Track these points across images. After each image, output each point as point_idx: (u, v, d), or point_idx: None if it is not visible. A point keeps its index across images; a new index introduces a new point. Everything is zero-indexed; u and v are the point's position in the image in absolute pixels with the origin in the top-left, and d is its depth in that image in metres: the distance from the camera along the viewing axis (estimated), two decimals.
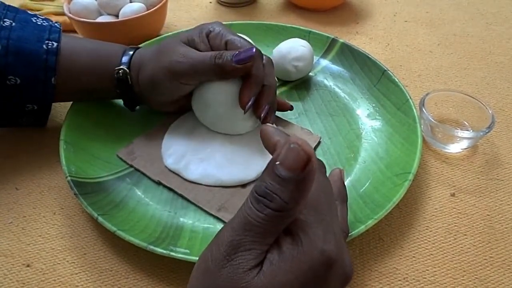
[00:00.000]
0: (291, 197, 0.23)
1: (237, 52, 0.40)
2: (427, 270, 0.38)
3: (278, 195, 0.23)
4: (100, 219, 0.37)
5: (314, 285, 0.24)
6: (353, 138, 0.48)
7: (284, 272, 0.24)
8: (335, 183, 0.34)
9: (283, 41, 0.55)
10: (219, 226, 0.39)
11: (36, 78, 0.43)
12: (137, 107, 0.49)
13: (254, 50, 0.40)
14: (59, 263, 0.38)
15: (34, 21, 0.44)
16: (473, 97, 0.49)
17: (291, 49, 0.53)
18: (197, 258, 0.34)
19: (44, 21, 0.45)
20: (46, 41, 0.43)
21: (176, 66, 0.41)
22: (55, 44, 0.43)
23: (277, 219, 0.24)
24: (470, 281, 0.37)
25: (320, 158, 0.46)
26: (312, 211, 0.25)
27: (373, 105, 0.51)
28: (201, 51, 0.42)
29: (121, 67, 0.44)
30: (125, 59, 0.45)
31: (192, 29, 0.44)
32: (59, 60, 0.43)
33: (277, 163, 0.23)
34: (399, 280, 0.37)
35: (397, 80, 0.51)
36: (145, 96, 0.46)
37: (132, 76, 0.45)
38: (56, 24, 0.46)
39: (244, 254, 0.24)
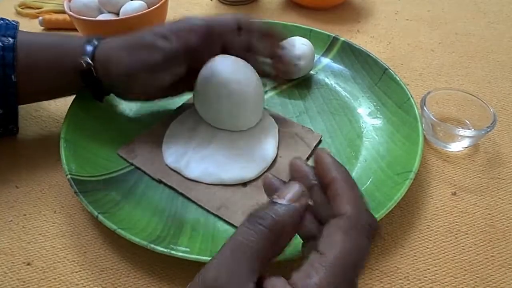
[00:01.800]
0: (283, 217, 0.24)
1: None
2: (428, 269, 0.38)
3: (271, 214, 0.24)
4: (100, 217, 0.37)
5: None
6: (354, 137, 0.48)
7: None
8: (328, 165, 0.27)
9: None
10: (220, 224, 0.39)
11: None
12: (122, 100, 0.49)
13: None
14: (59, 262, 0.38)
15: None
16: (474, 96, 0.49)
17: (292, 48, 0.53)
18: (197, 257, 0.34)
19: (0, 20, 0.44)
20: (2, 38, 0.42)
21: (151, 58, 0.41)
22: (11, 40, 0.42)
23: (267, 238, 0.23)
24: (471, 280, 0.37)
25: None
26: (328, 269, 0.22)
27: (374, 103, 0.51)
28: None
29: (85, 58, 0.42)
30: (88, 48, 0.43)
31: (166, 25, 0.43)
32: (18, 56, 0.42)
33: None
34: (400, 279, 0.37)
35: (398, 79, 0.51)
36: (117, 88, 0.45)
37: (98, 68, 0.43)
38: (12, 22, 0.45)
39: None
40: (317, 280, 0.21)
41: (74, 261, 0.38)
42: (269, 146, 0.45)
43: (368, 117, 0.50)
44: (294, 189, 0.25)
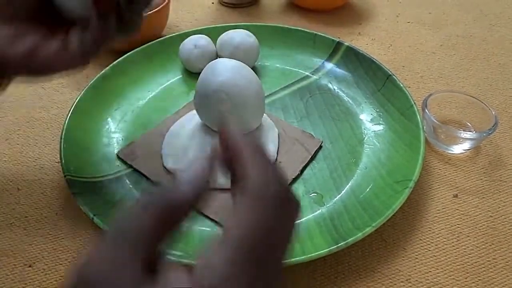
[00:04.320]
0: None
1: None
2: (430, 271, 0.38)
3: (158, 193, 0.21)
4: (95, 219, 0.37)
5: None
6: (355, 143, 0.47)
7: None
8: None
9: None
10: (215, 229, 0.39)
11: None
12: None
13: None
14: (61, 264, 0.38)
15: None
16: (476, 98, 0.49)
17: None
18: (191, 261, 0.34)
19: None
20: None
21: None
22: None
23: (153, 218, 0.20)
24: (473, 282, 0.37)
25: (321, 162, 0.47)
26: (232, 254, 0.18)
27: (377, 110, 0.51)
28: None
29: None
30: None
31: None
32: None
33: None
34: (402, 282, 0.37)
35: (401, 85, 0.50)
36: None
37: None
38: None
39: None
40: (219, 271, 0.18)
41: (75, 263, 0.38)
42: (268, 151, 0.45)
43: (370, 123, 0.50)
44: (193, 168, 0.22)
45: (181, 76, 0.57)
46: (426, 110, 0.47)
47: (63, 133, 0.45)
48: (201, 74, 0.44)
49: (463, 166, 0.47)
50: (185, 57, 0.56)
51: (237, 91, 0.42)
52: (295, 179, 0.43)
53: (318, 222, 0.39)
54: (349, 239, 0.36)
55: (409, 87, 0.57)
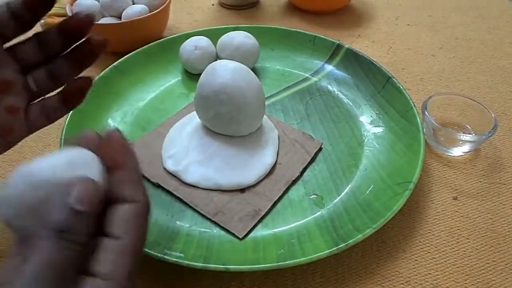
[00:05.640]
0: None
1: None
2: (430, 273, 0.38)
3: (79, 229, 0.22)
4: None
5: None
6: (355, 145, 0.48)
7: None
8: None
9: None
10: (216, 230, 0.39)
11: None
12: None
13: None
14: None
15: None
16: (475, 101, 0.49)
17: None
18: (190, 262, 0.34)
19: None
20: None
21: None
22: None
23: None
24: (472, 284, 0.37)
25: (321, 164, 0.47)
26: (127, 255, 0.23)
27: (377, 112, 0.51)
28: None
29: None
30: None
31: None
32: None
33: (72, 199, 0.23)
34: (402, 284, 0.37)
35: (401, 87, 0.50)
36: None
37: None
38: None
39: None
40: (113, 268, 0.22)
41: None
42: (268, 152, 0.45)
43: (370, 125, 0.50)
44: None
45: (181, 77, 0.57)
46: (426, 113, 0.47)
47: (63, 134, 0.45)
48: (201, 76, 0.44)
49: (462, 169, 0.47)
50: (185, 59, 0.56)
51: (238, 92, 0.42)
52: (295, 181, 0.43)
53: (318, 224, 0.39)
54: (349, 241, 0.36)
55: (409, 89, 0.57)
